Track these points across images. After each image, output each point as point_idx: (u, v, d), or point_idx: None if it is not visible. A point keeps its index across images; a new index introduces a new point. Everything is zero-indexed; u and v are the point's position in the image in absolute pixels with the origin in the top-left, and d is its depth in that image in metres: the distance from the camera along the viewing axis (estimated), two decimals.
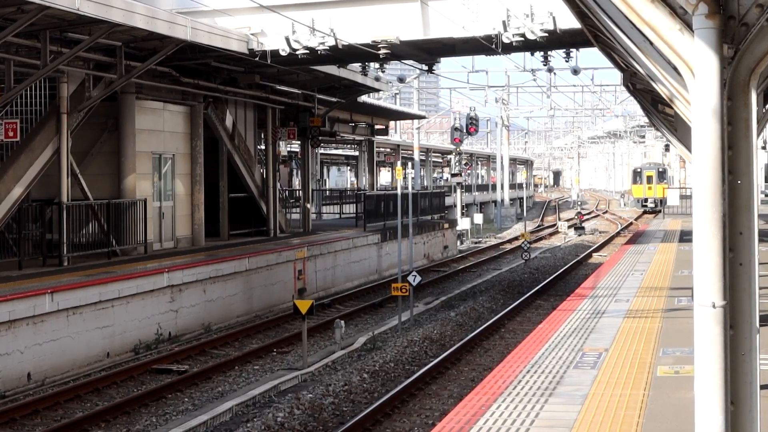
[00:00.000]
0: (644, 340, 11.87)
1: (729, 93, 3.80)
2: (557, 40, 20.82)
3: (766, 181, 60.22)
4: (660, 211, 58.91)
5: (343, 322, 19.08)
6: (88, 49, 19.61)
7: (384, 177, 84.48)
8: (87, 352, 16.86)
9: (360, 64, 25.91)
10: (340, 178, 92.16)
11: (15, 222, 19.79)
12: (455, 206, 53.00)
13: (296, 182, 53.35)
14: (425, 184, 64.83)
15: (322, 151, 54.51)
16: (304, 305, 16.94)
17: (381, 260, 31.49)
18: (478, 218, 52.63)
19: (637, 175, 72.77)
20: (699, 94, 3.78)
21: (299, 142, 34.97)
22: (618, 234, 49.58)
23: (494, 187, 73.34)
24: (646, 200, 71.19)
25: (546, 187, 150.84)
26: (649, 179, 70.34)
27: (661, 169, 72.58)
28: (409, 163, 57.37)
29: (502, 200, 65.84)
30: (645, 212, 68.84)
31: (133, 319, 18.25)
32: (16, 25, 16.89)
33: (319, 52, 20.48)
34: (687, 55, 3.82)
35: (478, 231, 51.46)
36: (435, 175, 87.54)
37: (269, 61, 21.69)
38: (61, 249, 20.27)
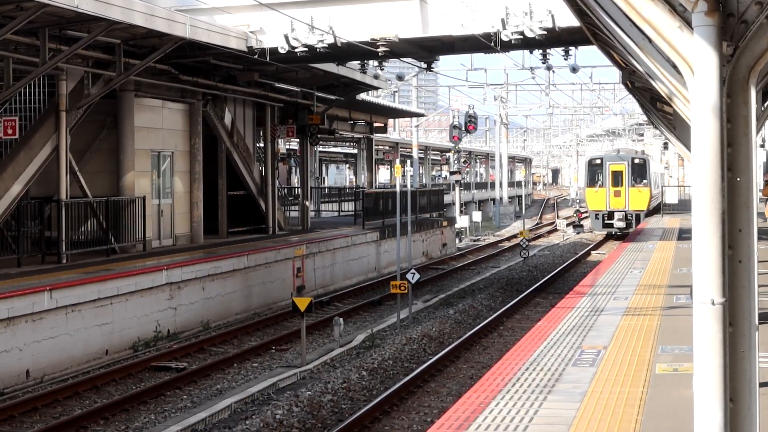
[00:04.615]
0: (643, 338, 11.87)
1: (728, 90, 3.80)
2: (556, 38, 20.83)
3: None
4: (629, 234, 36.45)
5: (341, 319, 19.10)
6: (87, 47, 19.60)
7: (383, 175, 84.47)
8: (86, 350, 16.86)
9: (359, 61, 25.92)
10: (339, 176, 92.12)
11: (14, 219, 19.80)
12: (454, 204, 53.02)
13: (295, 180, 53.31)
14: (424, 182, 64.85)
15: (320, 148, 54.51)
16: (302, 303, 16.95)
17: (380, 258, 31.49)
18: (477, 216, 52.65)
19: (595, 170, 43.82)
20: (698, 92, 3.78)
21: (298, 140, 34.98)
22: None
23: (493, 185, 73.31)
24: (610, 216, 43.00)
25: (544, 185, 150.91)
26: (617, 178, 43.10)
27: (637, 161, 43.86)
28: (408, 161, 57.39)
29: (501, 198, 65.88)
30: (609, 236, 43.70)
31: (131, 316, 18.25)
32: (15, 23, 16.89)
33: (318, 49, 20.48)
34: (686, 53, 3.82)
35: (476, 229, 51.46)
36: (434, 173, 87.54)
37: (268, 59, 21.69)
38: (60, 246, 20.26)
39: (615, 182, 43.09)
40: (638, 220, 41.73)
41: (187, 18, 19.70)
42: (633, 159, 44.00)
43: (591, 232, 47.76)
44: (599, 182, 43.48)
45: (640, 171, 43.36)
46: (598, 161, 44.20)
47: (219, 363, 17.05)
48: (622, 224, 42.68)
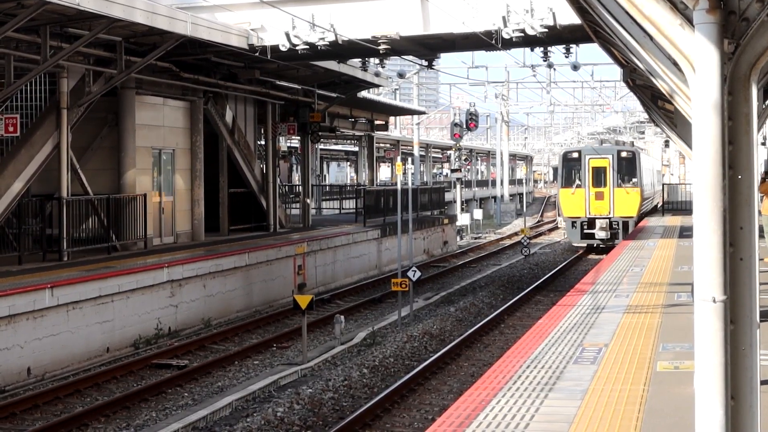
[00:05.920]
0: (644, 336, 11.87)
1: (729, 88, 3.80)
2: (557, 36, 20.82)
3: None
4: (614, 246, 28.09)
5: (342, 317, 19.10)
6: (88, 45, 19.60)
7: (384, 172, 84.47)
8: (87, 347, 16.88)
9: (360, 59, 25.92)
10: (340, 174, 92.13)
11: (15, 217, 19.80)
12: (455, 202, 53.03)
13: (296, 177, 53.33)
14: (425, 179, 64.84)
15: (321, 146, 54.54)
16: (303, 300, 16.95)
17: (381, 255, 31.49)
18: (478, 214, 52.70)
19: (572, 167, 35.58)
20: (699, 90, 3.78)
21: (299, 138, 34.98)
22: None
23: (494, 182, 73.30)
24: (590, 225, 35.03)
25: (545, 182, 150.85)
26: (599, 177, 34.98)
27: (624, 154, 35.53)
28: (409, 159, 57.37)
29: (502, 196, 65.86)
30: (590, 249, 36.28)
31: (133, 314, 18.26)
32: (16, 20, 16.88)
33: (319, 47, 20.49)
34: (687, 51, 3.82)
35: (477, 227, 51.48)
36: (435, 170, 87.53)
37: (269, 57, 21.69)
38: (61, 244, 20.26)
39: (596, 182, 35.02)
40: (626, 229, 33.92)
41: (188, 16, 19.71)
42: (619, 152, 35.47)
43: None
44: (577, 182, 35.37)
45: (628, 167, 35.26)
46: (575, 155, 35.63)
47: (220, 360, 17.06)
48: (605, 234, 34.83)
